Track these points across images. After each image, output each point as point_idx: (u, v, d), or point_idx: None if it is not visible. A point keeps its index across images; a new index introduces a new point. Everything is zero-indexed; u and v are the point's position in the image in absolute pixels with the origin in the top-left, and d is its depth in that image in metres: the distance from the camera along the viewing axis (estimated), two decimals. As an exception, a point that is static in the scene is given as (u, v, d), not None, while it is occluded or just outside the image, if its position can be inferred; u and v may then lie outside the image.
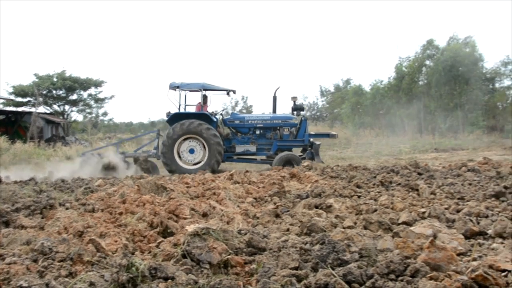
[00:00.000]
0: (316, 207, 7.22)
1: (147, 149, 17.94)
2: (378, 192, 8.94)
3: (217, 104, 58.48)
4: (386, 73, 78.42)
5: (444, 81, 39.88)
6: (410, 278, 3.77)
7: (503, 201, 7.67)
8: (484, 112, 39.52)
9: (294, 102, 17.42)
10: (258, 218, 6.63)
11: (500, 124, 38.87)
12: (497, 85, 43.35)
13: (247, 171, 11.38)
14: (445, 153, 22.59)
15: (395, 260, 3.96)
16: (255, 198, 8.33)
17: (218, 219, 6.30)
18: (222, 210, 6.82)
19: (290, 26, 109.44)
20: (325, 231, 5.47)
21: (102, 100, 52.60)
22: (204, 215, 6.64)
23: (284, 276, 3.83)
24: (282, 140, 16.56)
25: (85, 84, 49.16)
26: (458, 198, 8.11)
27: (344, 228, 5.76)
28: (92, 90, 50.94)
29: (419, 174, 11.39)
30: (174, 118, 15.76)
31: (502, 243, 5.18)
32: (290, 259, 4.24)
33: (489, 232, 5.63)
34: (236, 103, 57.18)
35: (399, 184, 9.72)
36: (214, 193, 8.20)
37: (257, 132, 16.71)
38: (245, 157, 17.01)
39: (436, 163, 15.59)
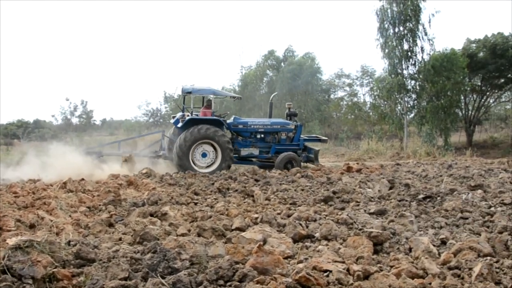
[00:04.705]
0: (151, 215, 7.16)
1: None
2: (215, 199, 9.09)
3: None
4: (230, 81, 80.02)
5: (285, 91, 41.58)
6: (238, 283, 3.88)
7: (330, 205, 8.18)
8: (320, 121, 41.79)
9: (289, 108, 19.04)
10: (90, 228, 6.40)
11: (335, 132, 41.44)
12: (332, 96, 46.31)
13: (82, 179, 10.97)
14: (283, 160, 23.47)
15: (224, 266, 4.04)
16: (88, 207, 8.01)
17: (47, 231, 5.98)
18: (51, 221, 6.49)
19: (130, 29, 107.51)
20: (158, 239, 5.43)
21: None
22: (32, 226, 6.27)
23: (112, 288, 3.74)
24: (279, 143, 17.81)
25: None
26: (291, 203, 8.49)
27: (177, 235, 5.78)
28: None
29: (256, 180, 11.76)
30: (188, 123, 16.28)
31: (327, 245, 5.52)
32: (120, 269, 4.15)
33: (316, 235, 5.96)
34: (75, 108, 55.01)
35: (236, 190, 9.96)
36: (45, 203, 7.77)
37: (258, 136, 17.82)
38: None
39: (273, 170, 16.14)
